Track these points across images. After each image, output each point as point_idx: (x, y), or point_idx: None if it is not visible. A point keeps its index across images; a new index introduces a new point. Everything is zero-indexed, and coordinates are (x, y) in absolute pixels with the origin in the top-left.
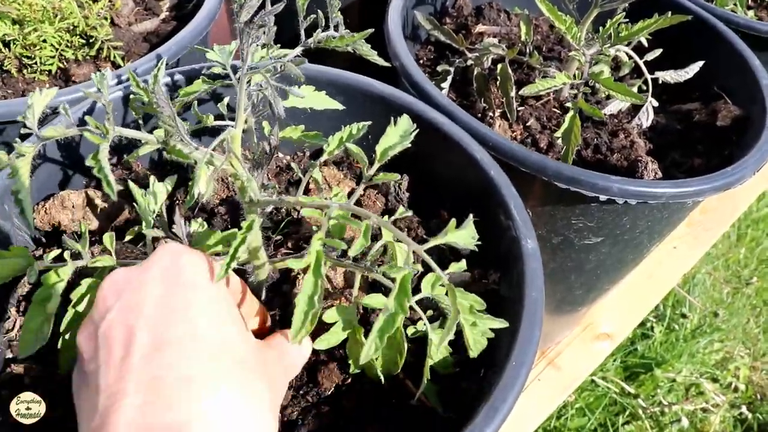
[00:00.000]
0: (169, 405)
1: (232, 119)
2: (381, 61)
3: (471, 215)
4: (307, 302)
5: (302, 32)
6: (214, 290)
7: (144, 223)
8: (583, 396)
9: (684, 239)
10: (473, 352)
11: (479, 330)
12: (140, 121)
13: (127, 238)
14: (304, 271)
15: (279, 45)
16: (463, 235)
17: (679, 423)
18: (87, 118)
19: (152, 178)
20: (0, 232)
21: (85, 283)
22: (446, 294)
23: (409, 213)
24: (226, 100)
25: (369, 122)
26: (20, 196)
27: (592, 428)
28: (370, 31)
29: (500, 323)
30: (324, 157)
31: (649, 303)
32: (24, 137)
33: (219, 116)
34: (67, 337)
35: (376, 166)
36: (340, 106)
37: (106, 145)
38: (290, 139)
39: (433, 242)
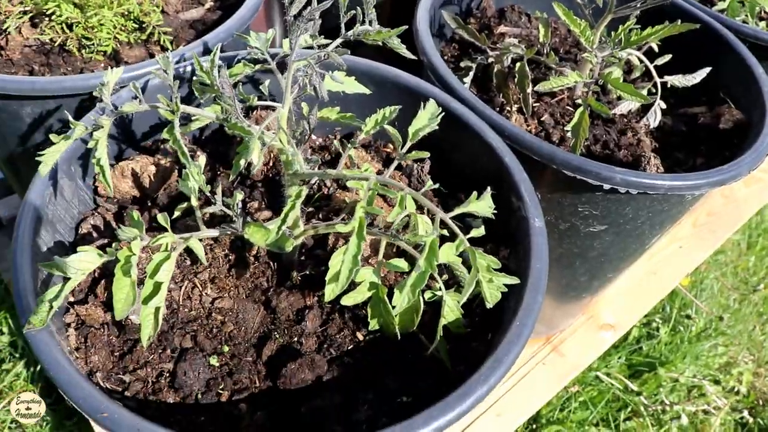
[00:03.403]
0: None
1: (272, 101)
2: (409, 54)
3: (489, 188)
4: (352, 260)
5: (342, 26)
6: None
7: (192, 198)
8: (587, 390)
9: (690, 239)
10: (489, 303)
11: (495, 285)
12: (201, 100)
13: (176, 214)
14: (342, 235)
15: (322, 35)
16: (482, 205)
17: (679, 421)
18: (159, 96)
19: (202, 157)
20: (67, 190)
21: (157, 257)
22: (462, 261)
23: (435, 185)
24: (267, 82)
25: (400, 106)
26: (101, 162)
27: (594, 422)
28: (404, 27)
29: (513, 279)
30: (361, 136)
31: (652, 298)
32: (83, 110)
33: (259, 97)
34: (147, 306)
35: (408, 144)
36: (368, 91)
37: (177, 121)
38: (327, 120)
39: (457, 210)
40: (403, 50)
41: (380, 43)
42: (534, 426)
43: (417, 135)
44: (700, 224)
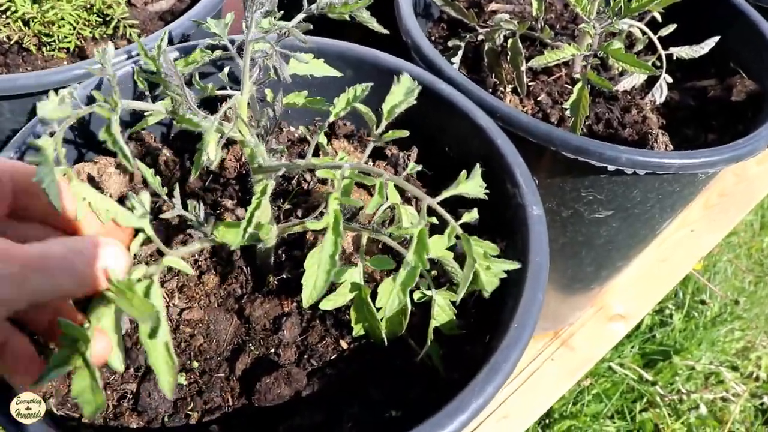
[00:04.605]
0: None
1: (235, 90)
2: (380, 28)
3: (477, 165)
4: (329, 261)
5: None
6: None
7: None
8: (600, 382)
9: (701, 223)
10: (487, 292)
11: (493, 272)
12: (146, 92)
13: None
14: (320, 233)
15: (282, 12)
16: (473, 186)
17: (697, 410)
18: (94, 92)
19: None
20: None
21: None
22: (454, 255)
23: (419, 167)
24: (226, 69)
25: (372, 83)
26: (47, 189)
27: (608, 414)
28: None
29: (513, 264)
30: (331, 118)
31: (664, 285)
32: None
33: (221, 88)
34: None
35: (384, 124)
36: (338, 74)
37: (116, 118)
38: (295, 106)
39: (445, 194)
40: (374, 23)
41: (348, 18)
42: (547, 421)
43: (393, 112)
44: (711, 206)
